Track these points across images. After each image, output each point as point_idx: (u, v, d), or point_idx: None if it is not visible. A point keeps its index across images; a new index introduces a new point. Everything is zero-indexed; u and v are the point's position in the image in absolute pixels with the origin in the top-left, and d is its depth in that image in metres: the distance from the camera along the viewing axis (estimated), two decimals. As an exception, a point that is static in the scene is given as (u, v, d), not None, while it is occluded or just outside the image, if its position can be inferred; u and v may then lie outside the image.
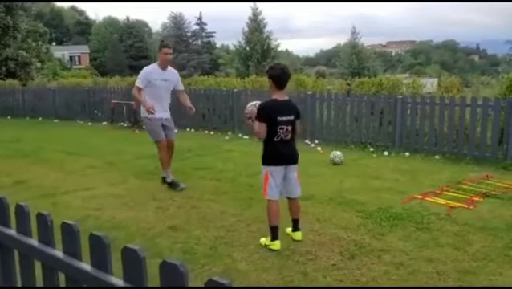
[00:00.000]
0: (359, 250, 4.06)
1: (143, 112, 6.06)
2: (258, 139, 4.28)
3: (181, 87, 6.36)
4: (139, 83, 5.95)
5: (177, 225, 4.72)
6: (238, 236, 4.42)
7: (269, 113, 4.12)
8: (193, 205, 5.42)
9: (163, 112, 6.10)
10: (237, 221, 4.85)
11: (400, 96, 9.03)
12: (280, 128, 4.12)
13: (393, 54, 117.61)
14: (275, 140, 4.14)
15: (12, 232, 1.99)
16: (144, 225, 4.74)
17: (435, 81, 11.71)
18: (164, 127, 6.14)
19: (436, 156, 8.22)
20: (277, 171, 4.20)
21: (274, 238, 4.12)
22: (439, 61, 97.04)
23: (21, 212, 1.96)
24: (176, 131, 6.46)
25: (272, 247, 4.09)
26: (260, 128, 4.13)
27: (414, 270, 3.67)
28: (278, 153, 4.17)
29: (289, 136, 4.19)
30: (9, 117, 15.81)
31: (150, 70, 6.06)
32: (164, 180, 6.22)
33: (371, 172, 7.13)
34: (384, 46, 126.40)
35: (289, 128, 4.16)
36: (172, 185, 6.07)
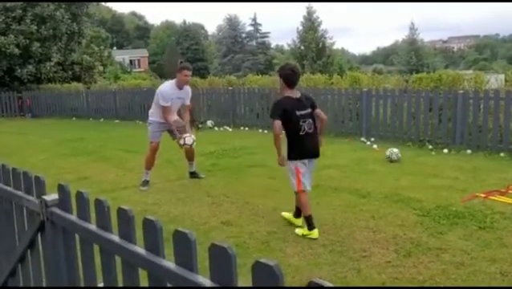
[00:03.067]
0: (415, 247, 3.92)
1: (150, 116, 6.47)
2: (275, 135, 4.35)
3: (188, 102, 6.56)
4: (165, 103, 6.16)
5: (230, 220, 4.77)
6: (291, 231, 4.40)
7: (284, 109, 4.25)
8: (245, 201, 5.47)
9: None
10: (289, 217, 4.83)
11: (461, 91, 8.63)
12: (303, 122, 4.25)
13: (455, 49, 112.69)
14: (301, 134, 4.27)
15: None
16: (199, 220, 4.83)
17: (502, 77, 11.06)
18: (171, 132, 6.46)
19: (502, 154, 7.78)
20: (303, 165, 4.35)
21: (313, 226, 4.23)
22: (506, 56, 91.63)
23: (99, 206, 1.92)
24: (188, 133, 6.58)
25: (312, 236, 4.18)
26: (276, 124, 4.24)
27: (475, 270, 3.49)
28: (304, 147, 4.32)
29: (312, 129, 4.31)
30: (74, 118, 16.66)
31: (168, 90, 6.28)
32: (145, 182, 6.34)
33: (430, 169, 6.87)
34: (445, 41, 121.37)
35: (310, 120, 4.29)
36: (143, 182, 6.31)
